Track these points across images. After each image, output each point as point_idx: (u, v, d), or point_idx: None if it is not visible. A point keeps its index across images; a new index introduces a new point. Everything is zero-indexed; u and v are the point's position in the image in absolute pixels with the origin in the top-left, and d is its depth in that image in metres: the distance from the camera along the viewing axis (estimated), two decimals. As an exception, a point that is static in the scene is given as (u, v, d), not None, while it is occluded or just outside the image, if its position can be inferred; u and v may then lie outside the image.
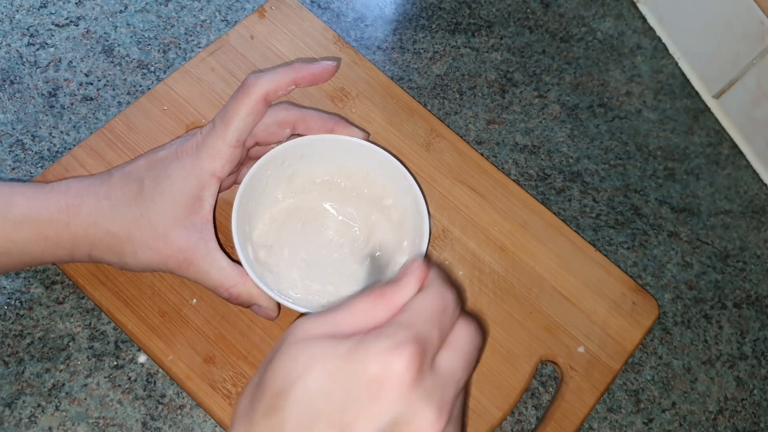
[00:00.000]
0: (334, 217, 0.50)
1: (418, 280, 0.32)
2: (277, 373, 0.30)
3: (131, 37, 0.59)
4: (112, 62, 0.58)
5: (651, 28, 0.70)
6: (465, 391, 0.35)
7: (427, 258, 0.33)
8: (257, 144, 0.48)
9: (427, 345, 0.30)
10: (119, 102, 0.56)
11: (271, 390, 0.30)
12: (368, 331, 0.31)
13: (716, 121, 0.67)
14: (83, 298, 0.49)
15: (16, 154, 0.53)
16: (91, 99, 0.56)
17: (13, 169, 0.53)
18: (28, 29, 0.58)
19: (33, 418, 0.46)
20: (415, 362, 0.29)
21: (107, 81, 0.57)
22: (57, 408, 0.46)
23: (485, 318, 0.52)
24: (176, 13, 0.61)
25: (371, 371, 0.29)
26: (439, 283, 0.33)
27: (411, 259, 0.33)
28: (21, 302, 0.49)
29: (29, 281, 0.50)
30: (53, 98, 0.56)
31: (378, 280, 0.48)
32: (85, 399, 0.47)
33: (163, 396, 0.48)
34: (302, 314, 0.44)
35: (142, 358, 0.48)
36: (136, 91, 0.57)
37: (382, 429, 0.29)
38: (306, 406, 0.29)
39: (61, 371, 0.47)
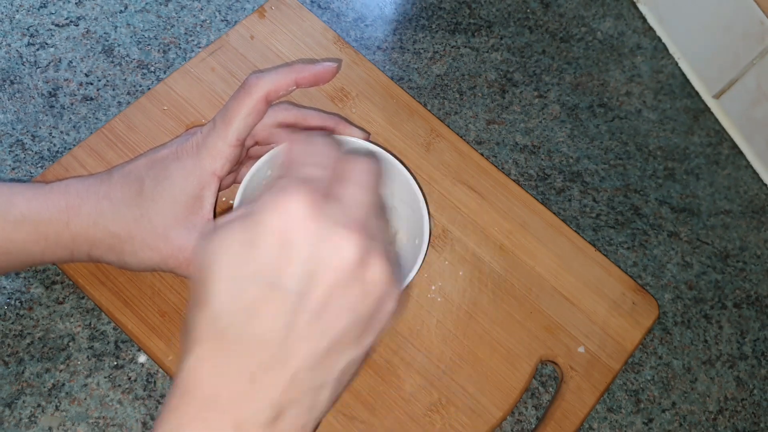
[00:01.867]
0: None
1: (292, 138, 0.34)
2: (196, 264, 0.31)
3: (131, 37, 0.59)
4: (112, 62, 0.58)
5: (651, 28, 0.70)
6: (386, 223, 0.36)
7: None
8: (257, 144, 0.48)
9: (311, 180, 0.31)
10: (119, 102, 0.56)
11: (196, 282, 0.31)
12: None
13: (716, 121, 0.67)
14: (83, 298, 0.49)
15: (16, 154, 0.53)
16: (91, 99, 0.56)
17: (13, 169, 0.53)
18: (28, 29, 0.58)
19: (33, 418, 0.46)
20: (308, 198, 0.30)
21: (107, 81, 0.57)
22: (57, 408, 0.46)
23: (486, 317, 0.52)
24: (176, 13, 0.61)
25: (272, 223, 0.30)
26: (308, 136, 0.34)
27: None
28: (21, 302, 0.49)
29: (29, 281, 0.50)
30: (53, 98, 0.56)
31: None
32: (85, 399, 0.47)
33: (163, 396, 0.48)
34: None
35: (142, 358, 0.48)
36: (136, 91, 0.57)
37: (305, 267, 0.30)
38: (228, 281, 0.30)
39: (61, 371, 0.47)
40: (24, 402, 0.46)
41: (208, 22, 0.61)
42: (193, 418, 0.30)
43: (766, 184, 0.66)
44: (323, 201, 0.31)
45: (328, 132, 0.48)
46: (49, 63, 0.57)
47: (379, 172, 0.34)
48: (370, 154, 0.35)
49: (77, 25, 0.59)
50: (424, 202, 0.47)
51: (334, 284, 0.30)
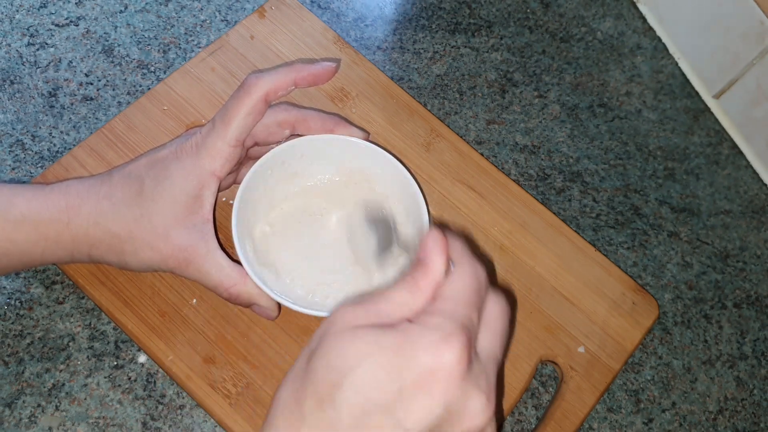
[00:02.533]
0: (333, 216, 0.50)
1: (442, 255, 0.33)
2: (329, 364, 0.30)
3: (131, 37, 0.59)
4: (112, 62, 0.58)
5: (651, 28, 0.70)
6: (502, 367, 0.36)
7: (440, 226, 0.34)
8: (257, 144, 0.48)
9: (472, 332, 0.31)
10: (119, 102, 0.56)
11: (323, 381, 0.30)
12: (410, 319, 0.31)
13: (716, 121, 0.67)
14: (83, 298, 0.49)
15: (16, 154, 0.53)
16: (91, 99, 0.56)
17: (13, 169, 0.53)
18: (28, 29, 0.58)
19: (33, 418, 0.46)
20: (465, 353, 0.30)
21: (107, 81, 0.57)
22: (57, 408, 0.46)
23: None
24: (176, 13, 0.61)
25: (423, 364, 0.29)
26: (468, 260, 0.33)
27: (425, 233, 0.33)
28: (21, 302, 0.49)
29: (29, 281, 0.50)
30: (53, 98, 0.56)
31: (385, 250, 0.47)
32: (85, 399, 0.47)
33: (163, 396, 0.48)
34: (315, 316, 0.44)
35: (142, 358, 0.48)
36: (136, 91, 0.57)
37: (435, 420, 0.29)
38: (360, 398, 0.29)
39: (61, 371, 0.47)
40: (24, 402, 0.46)
41: (208, 22, 0.61)
42: None
43: (766, 184, 0.66)
44: (474, 357, 0.31)
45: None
46: (49, 63, 0.57)
47: (513, 318, 0.34)
48: (508, 294, 0.34)
49: (77, 25, 0.59)
50: (424, 202, 0.47)
51: None
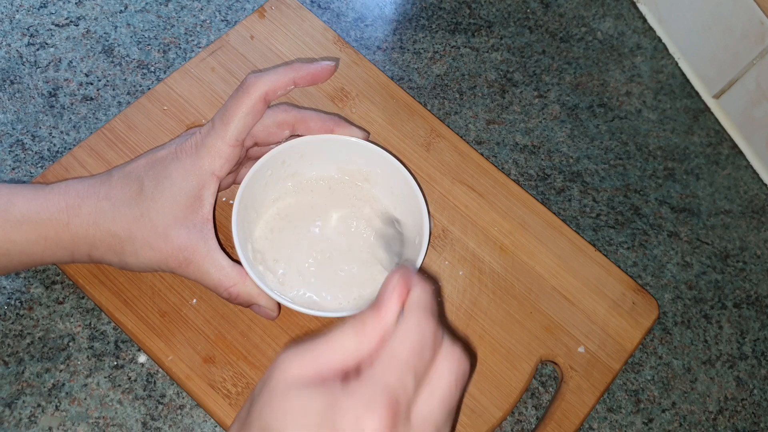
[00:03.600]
0: (333, 216, 0.50)
1: (397, 304, 0.32)
2: (259, 421, 0.31)
3: (131, 37, 0.59)
4: (112, 62, 0.58)
5: (651, 28, 0.70)
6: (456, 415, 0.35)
7: (408, 269, 0.33)
8: (256, 144, 0.48)
9: (401, 399, 0.30)
10: (119, 102, 0.56)
11: (256, 420, 0.31)
12: (349, 370, 0.31)
13: (716, 121, 0.67)
14: (83, 298, 0.49)
15: (16, 154, 0.53)
16: (91, 99, 0.56)
17: (13, 169, 0.53)
18: (28, 29, 0.58)
19: (33, 418, 0.46)
20: (387, 421, 0.29)
21: (107, 81, 0.57)
22: (57, 408, 0.46)
23: (486, 317, 0.52)
24: (176, 13, 0.61)
25: (346, 428, 0.29)
26: (418, 315, 0.32)
27: (390, 275, 0.33)
28: (21, 302, 0.49)
29: (29, 281, 0.50)
30: (53, 98, 0.56)
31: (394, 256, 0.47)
32: (85, 399, 0.47)
33: (163, 396, 0.48)
34: (315, 316, 0.44)
35: (142, 358, 0.48)
36: (136, 91, 0.57)
37: None
38: None
39: (61, 371, 0.47)
40: (24, 402, 0.46)
41: (208, 22, 0.61)
42: None
43: (765, 184, 0.66)
44: (401, 424, 0.30)
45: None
46: (49, 63, 0.57)
47: (468, 372, 0.33)
48: (462, 346, 0.33)
49: (77, 25, 0.59)
50: (424, 202, 0.47)
51: None
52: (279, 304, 0.46)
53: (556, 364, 0.52)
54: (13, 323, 0.48)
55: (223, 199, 0.52)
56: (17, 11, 0.58)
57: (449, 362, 0.32)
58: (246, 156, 0.49)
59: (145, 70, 0.58)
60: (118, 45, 0.59)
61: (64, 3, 0.59)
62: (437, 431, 0.32)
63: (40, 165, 0.53)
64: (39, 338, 0.48)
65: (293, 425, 0.30)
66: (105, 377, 0.48)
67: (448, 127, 0.58)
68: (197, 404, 0.48)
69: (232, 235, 0.44)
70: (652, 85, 0.68)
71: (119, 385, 0.47)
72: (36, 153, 0.54)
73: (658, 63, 0.69)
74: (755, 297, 0.61)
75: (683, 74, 0.69)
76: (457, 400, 0.33)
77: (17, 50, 0.57)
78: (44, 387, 0.47)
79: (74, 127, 0.55)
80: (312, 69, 0.46)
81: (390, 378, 0.30)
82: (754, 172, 0.66)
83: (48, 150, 0.54)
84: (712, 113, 0.68)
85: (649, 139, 0.65)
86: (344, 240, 0.50)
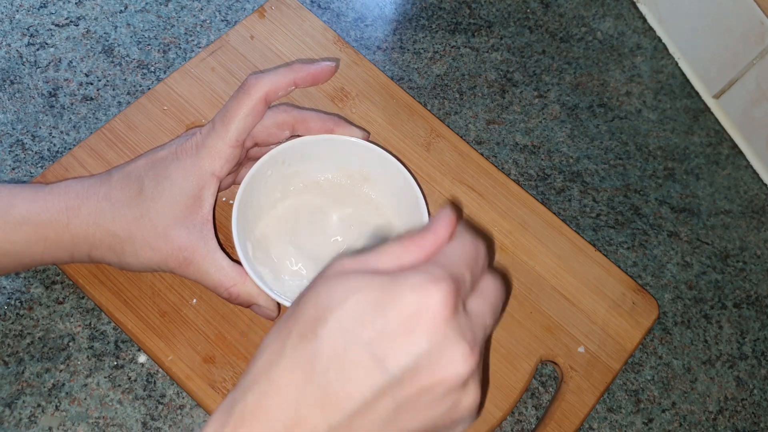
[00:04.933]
0: (333, 216, 0.50)
1: (448, 227, 0.33)
2: (315, 301, 0.30)
3: (131, 37, 0.59)
4: (112, 62, 0.58)
5: (651, 28, 0.70)
6: (487, 350, 0.36)
7: (456, 208, 0.34)
8: (256, 145, 0.48)
9: (461, 284, 0.31)
10: (119, 102, 0.56)
11: (308, 316, 0.30)
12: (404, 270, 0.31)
13: (716, 121, 0.67)
14: (83, 298, 0.49)
15: (16, 154, 0.53)
16: (91, 99, 0.56)
17: (13, 169, 0.53)
18: (28, 29, 0.58)
19: (33, 418, 0.46)
20: (451, 297, 0.30)
21: (107, 81, 0.57)
22: (57, 408, 0.46)
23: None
24: (176, 13, 0.61)
25: (408, 303, 0.29)
26: (470, 233, 0.33)
27: (442, 209, 0.34)
28: (21, 302, 0.49)
29: (29, 281, 0.50)
30: (53, 98, 0.56)
31: None
32: (85, 399, 0.47)
33: (163, 396, 0.48)
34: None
35: (142, 358, 0.48)
36: (136, 91, 0.57)
37: (415, 360, 0.29)
38: (342, 333, 0.29)
39: (61, 371, 0.47)
40: (24, 402, 0.46)
41: (208, 22, 0.61)
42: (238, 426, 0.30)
43: (765, 184, 0.66)
44: (461, 307, 0.31)
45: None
46: (49, 63, 0.57)
47: (507, 298, 0.34)
48: (504, 278, 0.34)
49: (77, 25, 0.59)
50: (424, 202, 0.47)
51: (430, 390, 0.30)
52: (279, 304, 0.47)
53: (556, 364, 0.52)
54: (13, 323, 0.48)
55: (223, 199, 0.52)
56: (17, 11, 0.58)
57: (495, 280, 0.34)
58: (246, 156, 0.49)
59: (145, 70, 0.58)
60: (118, 45, 0.59)
61: (64, 3, 0.59)
62: (484, 332, 0.32)
63: (40, 165, 0.53)
64: (39, 338, 0.48)
65: (354, 296, 0.30)
66: (105, 377, 0.48)
67: (448, 127, 0.58)
68: (197, 404, 0.48)
69: (232, 235, 0.44)
70: (652, 85, 0.68)
71: (119, 385, 0.47)
72: (36, 153, 0.54)
73: (658, 63, 0.69)
74: (755, 297, 0.61)
75: (683, 74, 0.69)
76: (499, 314, 0.34)
77: (17, 50, 0.57)
78: (44, 387, 0.47)
79: (74, 127, 0.55)
80: (312, 69, 0.46)
81: (452, 266, 0.31)
82: (754, 172, 0.66)
83: (48, 150, 0.54)
84: (712, 113, 0.68)
85: (649, 139, 0.65)
86: (344, 240, 0.50)
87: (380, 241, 0.49)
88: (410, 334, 0.29)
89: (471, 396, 0.31)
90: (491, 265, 0.34)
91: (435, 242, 0.32)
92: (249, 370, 0.31)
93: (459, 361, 0.30)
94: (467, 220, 0.33)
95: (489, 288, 0.33)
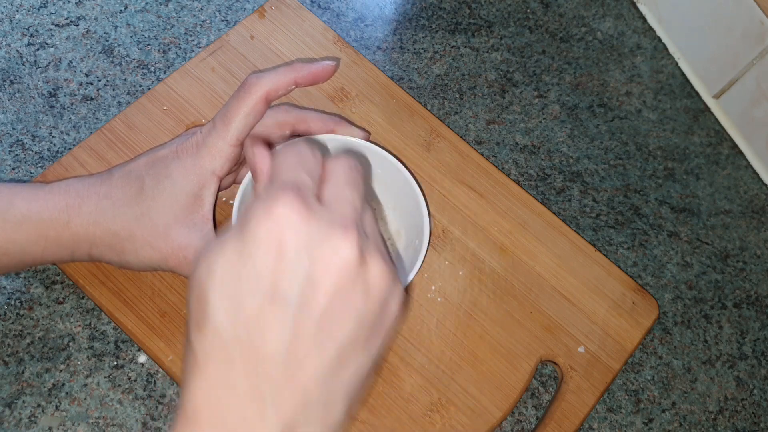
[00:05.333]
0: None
1: (263, 157, 0.34)
2: (191, 286, 0.31)
3: (131, 37, 0.59)
4: (112, 62, 0.58)
5: (651, 28, 0.70)
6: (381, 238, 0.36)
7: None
8: (257, 144, 0.48)
9: (302, 186, 0.31)
10: (119, 102, 0.56)
11: (193, 305, 0.30)
12: None
13: (716, 121, 0.67)
14: (83, 298, 0.49)
15: (16, 154, 0.53)
16: (91, 99, 0.56)
17: (13, 169, 0.53)
18: (28, 29, 0.58)
19: (33, 418, 0.46)
20: (294, 203, 0.29)
21: (107, 81, 0.57)
22: (57, 408, 0.46)
23: (486, 317, 0.52)
24: (176, 13, 0.61)
25: (260, 232, 0.29)
26: (289, 144, 0.34)
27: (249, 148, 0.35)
28: (21, 302, 0.49)
29: (29, 281, 0.50)
30: (53, 98, 0.56)
31: None
32: (85, 399, 0.47)
33: (163, 396, 0.48)
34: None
35: (142, 358, 0.48)
36: (136, 91, 0.57)
37: (303, 274, 0.29)
38: (227, 300, 0.29)
39: (61, 371, 0.47)
40: (24, 402, 0.46)
41: (208, 22, 0.61)
42: None
43: (765, 184, 0.66)
44: (313, 203, 0.30)
45: (312, 136, 0.47)
46: (49, 63, 0.57)
47: (362, 167, 0.34)
48: (350, 152, 0.33)
49: (77, 25, 0.59)
50: (424, 202, 0.47)
51: (335, 288, 0.29)
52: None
53: (556, 364, 0.52)
54: (13, 323, 0.48)
55: (223, 199, 0.52)
56: (17, 11, 0.58)
57: (338, 160, 0.33)
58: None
59: (145, 70, 0.58)
60: (118, 45, 0.58)
61: (64, 3, 0.59)
62: (354, 208, 0.32)
63: (40, 165, 0.53)
64: (39, 338, 0.48)
65: (219, 261, 0.30)
66: (105, 377, 0.47)
67: (448, 127, 0.58)
68: (197, 404, 0.48)
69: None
70: (652, 85, 0.68)
71: (119, 385, 0.47)
72: (36, 153, 0.53)
73: (658, 63, 0.69)
74: (755, 297, 0.61)
75: (683, 74, 0.69)
76: (362, 186, 0.33)
77: (17, 50, 0.57)
78: (44, 387, 0.47)
79: (74, 127, 0.55)
80: (313, 69, 0.46)
81: (278, 177, 0.31)
82: (754, 172, 0.66)
83: (48, 150, 0.54)
84: (712, 113, 0.68)
85: (649, 139, 0.65)
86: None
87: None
88: (283, 256, 0.29)
89: (376, 268, 0.30)
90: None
91: (262, 166, 0.33)
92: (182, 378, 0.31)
93: (340, 246, 0.29)
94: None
95: (335, 170, 0.33)
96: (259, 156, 0.34)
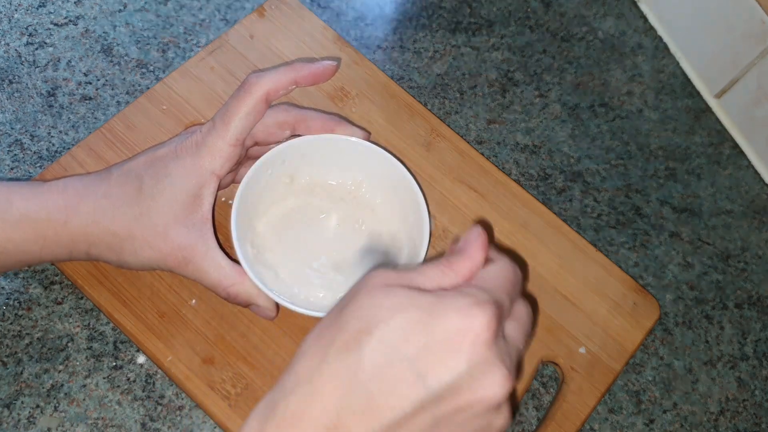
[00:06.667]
0: (333, 216, 0.50)
1: (482, 250, 0.34)
2: (360, 313, 0.31)
3: (130, 36, 0.59)
4: (111, 62, 0.58)
5: (652, 28, 0.70)
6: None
7: (487, 229, 0.35)
8: (256, 144, 0.48)
9: (502, 309, 0.32)
10: (118, 101, 0.56)
11: (352, 327, 0.31)
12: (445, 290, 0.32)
13: (717, 120, 0.67)
14: (82, 298, 0.49)
15: (15, 154, 0.53)
16: (90, 98, 0.56)
17: (12, 169, 0.53)
18: (26, 28, 0.58)
19: (32, 419, 0.46)
20: (494, 322, 0.30)
21: (106, 80, 0.57)
22: (56, 409, 0.46)
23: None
24: (175, 13, 0.61)
25: (452, 324, 0.30)
26: (506, 258, 0.35)
27: (471, 228, 0.35)
28: (20, 302, 0.49)
29: (28, 281, 0.49)
30: (52, 98, 0.55)
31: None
32: (84, 400, 0.47)
33: (162, 397, 0.48)
34: (314, 317, 0.44)
35: (141, 359, 0.48)
36: (135, 90, 0.57)
37: (456, 379, 0.30)
38: (386, 347, 0.30)
39: (59, 372, 0.47)
40: (23, 403, 0.46)
41: (207, 21, 0.61)
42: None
43: (767, 184, 0.66)
44: (501, 332, 0.32)
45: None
46: (48, 62, 0.57)
47: (535, 323, 0.35)
48: (535, 304, 0.36)
49: (76, 25, 0.58)
50: (424, 202, 0.47)
51: (467, 409, 0.30)
52: (277, 305, 0.46)
53: (556, 364, 0.52)
54: (11, 324, 0.48)
55: (222, 199, 0.52)
56: (16, 10, 0.58)
57: (527, 306, 0.35)
58: (246, 155, 0.49)
59: (144, 70, 0.58)
60: (117, 44, 0.58)
61: (62, 2, 0.59)
62: (518, 357, 0.33)
63: (38, 165, 0.53)
64: (38, 339, 0.48)
65: (400, 313, 0.30)
66: (104, 378, 0.47)
67: (449, 126, 0.58)
68: (196, 405, 0.48)
69: (231, 234, 0.44)
70: (653, 85, 0.67)
71: (118, 386, 0.47)
72: (35, 153, 0.53)
73: (659, 62, 0.69)
74: (757, 297, 0.61)
75: (684, 74, 0.69)
76: (530, 340, 0.36)
77: (16, 49, 0.57)
78: (43, 388, 0.47)
79: (73, 126, 0.55)
80: (313, 69, 0.46)
81: (494, 290, 0.32)
82: (756, 172, 0.66)
83: (47, 150, 0.54)
84: (713, 113, 0.67)
85: (650, 139, 0.65)
86: (343, 240, 0.50)
87: (378, 240, 0.49)
88: (453, 354, 0.30)
89: (503, 418, 0.32)
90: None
91: (471, 267, 0.34)
92: (289, 372, 0.31)
93: (498, 384, 0.30)
94: (499, 244, 0.34)
95: (522, 314, 0.35)
96: (481, 247, 0.34)
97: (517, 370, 0.33)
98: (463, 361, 0.30)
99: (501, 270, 0.34)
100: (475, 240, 0.34)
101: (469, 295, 0.31)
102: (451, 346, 0.30)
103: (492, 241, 0.35)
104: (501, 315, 0.31)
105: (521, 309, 0.35)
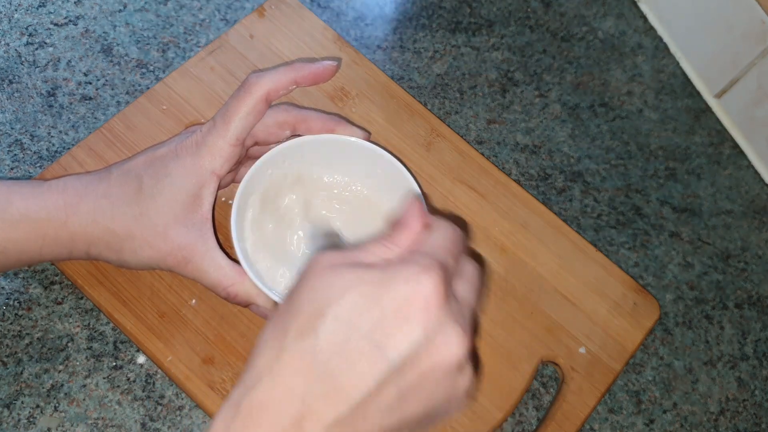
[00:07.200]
0: (334, 216, 0.50)
1: (418, 218, 0.34)
2: (310, 295, 0.31)
3: (130, 36, 0.59)
4: (111, 62, 0.58)
5: (652, 28, 0.70)
6: (474, 333, 0.37)
7: (423, 198, 0.35)
8: (256, 144, 0.48)
9: (449, 269, 0.32)
10: (118, 101, 0.56)
11: (305, 312, 0.31)
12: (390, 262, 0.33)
13: (717, 120, 0.67)
14: (82, 298, 0.49)
15: (15, 154, 0.53)
16: (90, 98, 0.56)
17: (12, 169, 0.53)
18: (26, 28, 0.58)
19: (32, 419, 0.46)
20: (442, 285, 0.31)
21: (106, 80, 0.57)
22: (56, 409, 0.46)
23: (486, 318, 0.51)
24: (175, 13, 0.61)
25: (402, 293, 0.30)
26: (444, 221, 0.35)
27: (407, 201, 0.35)
28: (20, 302, 0.49)
29: (28, 281, 0.49)
30: (52, 98, 0.55)
31: None
32: (84, 400, 0.47)
33: (162, 397, 0.48)
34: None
35: (141, 359, 0.48)
36: (135, 90, 0.57)
37: (414, 347, 0.30)
38: (341, 326, 0.30)
39: (59, 372, 0.47)
40: (23, 403, 0.46)
41: (207, 21, 0.61)
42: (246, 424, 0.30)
43: (767, 184, 0.66)
44: (451, 294, 0.32)
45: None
46: (48, 62, 0.56)
47: (484, 280, 0.35)
48: (480, 259, 0.36)
49: (76, 25, 0.58)
50: (424, 202, 0.47)
51: (430, 374, 0.31)
52: (277, 304, 0.46)
53: (557, 364, 0.52)
54: (11, 324, 0.48)
55: (222, 198, 0.52)
56: (16, 10, 0.58)
57: (473, 264, 0.35)
58: (246, 155, 0.49)
59: (144, 70, 0.58)
60: (117, 44, 0.58)
61: (62, 2, 0.59)
62: (472, 315, 0.33)
63: (38, 165, 0.53)
64: (38, 339, 0.48)
65: (350, 291, 0.31)
66: (104, 378, 0.47)
67: (449, 126, 0.58)
68: (196, 405, 0.48)
69: (231, 234, 0.44)
70: (653, 85, 0.67)
71: (118, 386, 0.47)
72: (35, 153, 0.53)
73: (659, 62, 0.69)
74: (757, 297, 0.61)
75: (684, 74, 0.69)
76: (480, 296, 0.35)
77: (16, 49, 0.57)
78: (43, 388, 0.47)
79: (73, 126, 0.55)
80: (314, 69, 0.46)
81: (437, 254, 0.32)
82: (756, 172, 0.66)
83: (47, 150, 0.53)
84: (713, 113, 0.67)
85: (650, 139, 0.65)
86: (344, 240, 0.50)
87: (325, 226, 0.49)
88: (407, 322, 0.30)
89: (467, 377, 0.32)
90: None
91: (411, 236, 0.34)
92: (250, 367, 0.31)
93: (455, 344, 0.31)
94: (435, 208, 0.34)
95: (470, 271, 0.35)
96: (417, 216, 0.35)
97: (473, 327, 0.34)
98: (417, 327, 0.30)
99: (441, 233, 0.34)
100: (411, 210, 0.34)
101: (413, 263, 0.31)
102: (404, 315, 0.30)
103: (429, 209, 0.35)
104: (447, 276, 0.32)
105: (468, 267, 0.35)
